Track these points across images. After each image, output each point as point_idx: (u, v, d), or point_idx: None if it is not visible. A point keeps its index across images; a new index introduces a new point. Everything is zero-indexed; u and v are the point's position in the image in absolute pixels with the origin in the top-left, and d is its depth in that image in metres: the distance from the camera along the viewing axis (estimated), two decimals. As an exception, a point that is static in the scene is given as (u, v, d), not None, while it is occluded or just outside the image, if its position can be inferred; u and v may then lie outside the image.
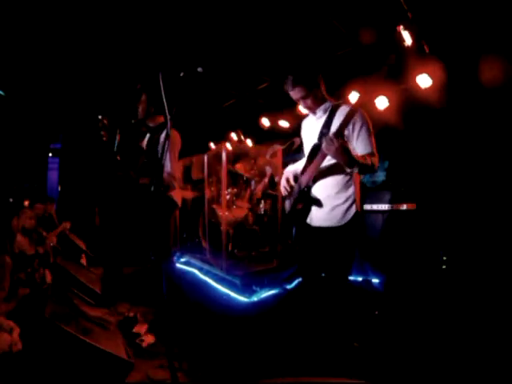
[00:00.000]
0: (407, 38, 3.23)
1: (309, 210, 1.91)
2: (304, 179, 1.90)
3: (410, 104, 4.02)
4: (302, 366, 1.88)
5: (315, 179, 1.86)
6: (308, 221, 1.93)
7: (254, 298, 3.23)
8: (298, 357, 1.96)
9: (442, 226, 3.25)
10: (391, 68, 1.74)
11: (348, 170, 1.72)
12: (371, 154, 1.77)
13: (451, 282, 2.96)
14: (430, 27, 3.25)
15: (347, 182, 1.85)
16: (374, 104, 4.08)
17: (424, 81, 3.55)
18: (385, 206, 3.61)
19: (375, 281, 3.51)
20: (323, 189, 1.87)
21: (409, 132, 4.13)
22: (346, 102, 1.86)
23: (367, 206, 3.74)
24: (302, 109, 2.02)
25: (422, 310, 2.60)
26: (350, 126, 1.78)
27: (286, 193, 2.00)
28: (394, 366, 1.94)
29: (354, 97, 4.18)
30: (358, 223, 1.85)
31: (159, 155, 2.30)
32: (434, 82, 3.52)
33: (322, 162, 1.80)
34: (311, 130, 1.98)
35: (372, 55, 3.86)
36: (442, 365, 1.90)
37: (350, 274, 1.95)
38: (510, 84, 2.99)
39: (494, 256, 2.85)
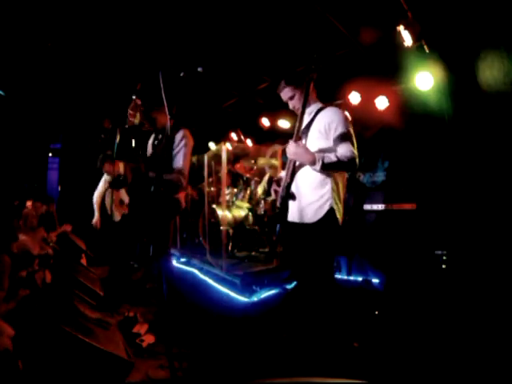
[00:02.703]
0: (407, 38, 3.23)
1: (288, 207, 1.99)
2: (284, 177, 1.99)
3: (410, 104, 4.02)
4: (302, 365, 1.88)
5: (293, 176, 1.94)
6: (288, 217, 2.02)
7: (254, 298, 3.23)
8: (298, 357, 1.96)
9: (441, 226, 3.25)
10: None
11: (312, 168, 1.81)
12: (346, 151, 1.80)
13: (451, 282, 2.96)
14: (431, 26, 3.25)
15: (323, 180, 1.89)
16: (374, 104, 4.08)
17: (424, 81, 3.55)
18: (385, 206, 3.61)
19: (375, 281, 3.52)
20: (299, 186, 1.95)
21: (409, 132, 4.13)
22: (334, 104, 1.94)
23: (367, 206, 3.75)
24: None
25: (422, 310, 2.60)
26: (327, 125, 1.87)
27: (275, 195, 2.10)
28: (394, 366, 1.94)
29: (354, 97, 4.18)
30: (331, 221, 1.87)
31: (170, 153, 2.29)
32: (434, 82, 3.52)
33: (292, 161, 1.91)
34: None
35: (372, 55, 3.87)
36: (442, 365, 1.90)
37: (331, 272, 2.00)
38: (510, 83, 2.99)
39: (494, 256, 2.85)
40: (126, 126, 2.30)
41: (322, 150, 1.85)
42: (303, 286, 2.05)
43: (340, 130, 1.83)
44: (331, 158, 1.77)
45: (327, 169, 1.79)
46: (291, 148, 1.80)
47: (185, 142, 2.34)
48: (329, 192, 1.87)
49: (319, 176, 1.88)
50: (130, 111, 2.23)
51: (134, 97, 2.21)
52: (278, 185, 2.07)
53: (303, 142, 1.92)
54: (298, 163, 1.93)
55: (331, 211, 1.86)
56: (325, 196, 1.87)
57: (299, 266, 2.03)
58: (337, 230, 1.90)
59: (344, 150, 1.80)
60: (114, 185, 3.07)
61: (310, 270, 1.91)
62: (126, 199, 3.80)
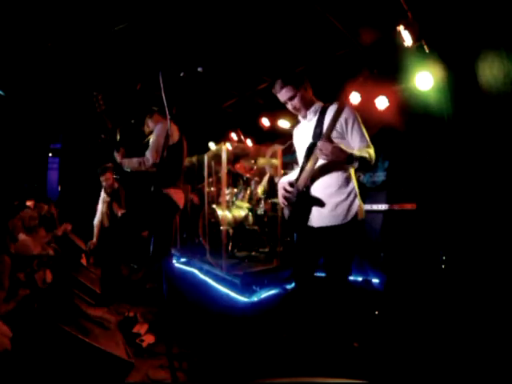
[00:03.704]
0: (407, 38, 3.23)
1: (309, 212, 1.86)
2: (301, 181, 1.87)
3: (410, 104, 4.02)
4: (302, 365, 1.88)
5: (313, 179, 1.84)
6: (309, 223, 1.88)
7: (254, 298, 3.23)
8: (298, 357, 1.96)
9: (441, 226, 3.25)
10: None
11: (349, 167, 1.74)
12: (367, 146, 1.78)
13: (451, 282, 2.96)
14: (431, 26, 3.25)
15: (347, 177, 1.83)
16: (374, 104, 4.08)
17: (424, 81, 3.55)
18: (385, 206, 3.61)
19: (375, 281, 3.51)
20: (323, 187, 1.83)
21: (409, 132, 4.13)
22: (335, 102, 1.88)
23: (367, 206, 3.74)
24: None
25: (422, 310, 2.60)
26: (343, 123, 1.80)
27: (285, 201, 1.96)
28: (394, 366, 1.94)
29: (354, 97, 4.18)
30: (362, 219, 1.82)
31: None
32: (434, 82, 3.52)
33: (317, 161, 1.80)
34: (304, 133, 1.98)
35: (372, 55, 3.87)
36: (442, 365, 1.90)
37: (351, 273, 1.92)
38: (510, 83, 2.99)
39: (494, 256, 2.85)
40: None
41: None
42: (314, 291, 1.96)
43: (357, 126, 1.80)
44: (364, 154, 1.72)
45: (361, 166, 1.73)
46: (328, 147, 1.65)
47: (157, 128, 2.42)
48: (354, 189, 1.82)
49: (343, 174, 1.82)
50: (96, 104, 2.35)
51: (95, 93, 2.36)
52: (287, 191, 1.93)
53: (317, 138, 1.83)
54: (318, 165, 1.82)
55: (359, 209, 1.82)
56: (352, 193, 1.81)
57: (317, 270, 1.94)
58: (364, 227, 1.85)
59: (368, 147, 1.77)
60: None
61: (337, 271, 1.83)
62: (120, 212, 3.91)
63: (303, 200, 1.87)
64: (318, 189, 1.84)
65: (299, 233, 2.03)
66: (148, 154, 2.36)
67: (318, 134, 1.83)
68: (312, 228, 1.87)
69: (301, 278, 2.00)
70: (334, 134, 1.77)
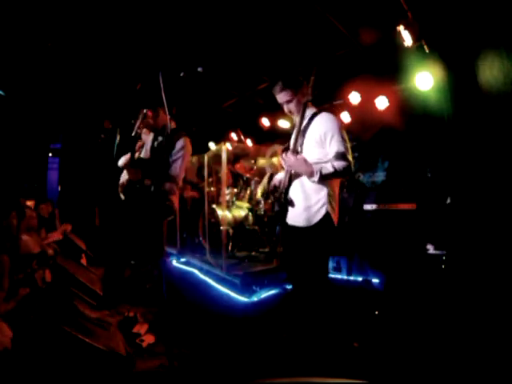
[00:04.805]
0: (407, 38, 3.23)
1: (287, 210, 2.04)
2: (283, 182, 2.05)
3: (410, 104, 4.02)
4: (302, 365, 1.88)
5: (291, 180, 2.00)
6: (286, 220, 2.06)
7: (254, 298, 3.23)
8: (298, 357, 1.97)
9: (441, 226, 3.25)
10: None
11: (310, 180, 1.87)
12: (342, 159, 1.86)
13: (451, 282, 2.96)
14: (431, 26, 3.25)
15: (319, 184, 1.92)
16: (374, 104, 4.08)
17: (424, 81, 3.55)
18: (385, 206, 3.61)
19: (375, 281, 3.51)
20: (296, 190, 1.99)
21: (409, 132, 4.13)
22: (328, 109, 2.03)
23: (367, 206, 3.74)
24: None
25: (422, 310, 2.60)
26: (322, 135, 1.91)
27: (272, 197, 2.19)
28: (394, 366, 1.94)
29: (354, 97, 4.18)
30: (327, 224, 1.93)
31: (168, 158, 2.22)
32: (434, 82, 3.51)
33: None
34: (293, 136, 2.08)
35: (372, 55, 3.87)
36: (442, 364, 1.90)
37: (326, 273, 2.05)
38: (511, 83, 2.99)
39: (494, 256, 2.85)
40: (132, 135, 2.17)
41: (318, 159, 1.91)
42: (299, 288, 2.09)
43: (335, 139, 1.89)
44: (328, 169, 1.84)
45: (324, 179, 1.86)
46: (291, 159, 1.86)
47: (184, 151, 2.28)
48: (325, 197, 1.93)
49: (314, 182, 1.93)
50: (140, 124, 2.07)
51: (145, 110, 2.03)
52: (276, 189, 2.12)
53: (299, 146, 1.96)
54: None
55: (327, 215, 1.92)
56: (321, 200, 1.93)
57: (295, 268, 2.07)
58: (333, 232, 1.96)
59: (341, 160, 1.86)
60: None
61: (306, 271, 1.95)
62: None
63: (284, 198, 2.04)
64: (293, 191, 2.01)
65: (280, 227, 2.24)
66: (177, 179, 2.20)
67: (298, 142, 1.96)
68: (287, 225, 2.06)
69: (291, 274, 2.15)
70: (314, 144, 1.93)
